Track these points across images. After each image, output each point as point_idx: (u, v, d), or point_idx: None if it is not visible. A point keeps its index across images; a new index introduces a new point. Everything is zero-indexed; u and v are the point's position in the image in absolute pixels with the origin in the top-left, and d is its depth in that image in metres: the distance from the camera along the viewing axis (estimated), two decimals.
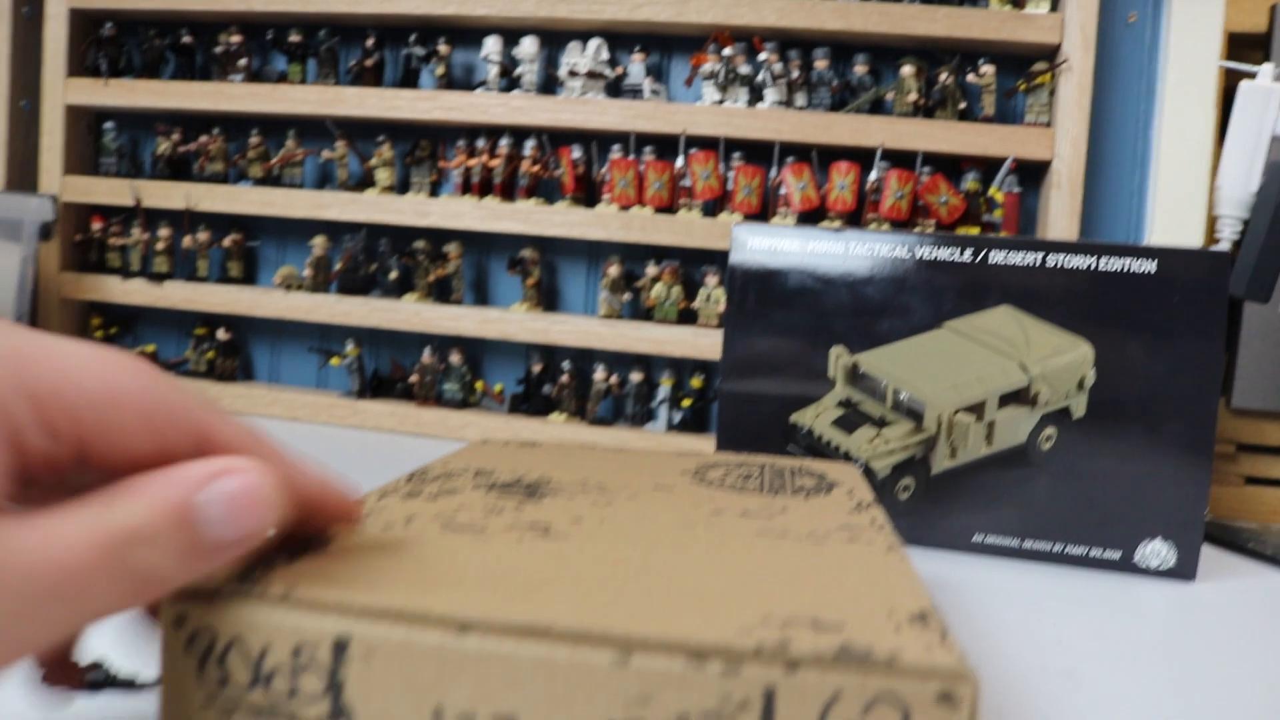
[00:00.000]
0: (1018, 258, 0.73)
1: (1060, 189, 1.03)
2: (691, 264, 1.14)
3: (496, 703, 0.27)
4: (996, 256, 0.73)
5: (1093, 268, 0.72)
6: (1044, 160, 1.04)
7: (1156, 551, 0.71)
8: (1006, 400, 0.73)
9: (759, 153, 1.10)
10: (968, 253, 0.74)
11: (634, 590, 0.31)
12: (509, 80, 1.17)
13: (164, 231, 1.24)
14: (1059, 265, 0.72)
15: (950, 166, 1.08)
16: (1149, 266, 0.71)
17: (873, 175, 1.06)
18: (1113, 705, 0.45)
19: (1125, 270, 0.71)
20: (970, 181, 1.07)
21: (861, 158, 1.08)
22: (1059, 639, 0.55)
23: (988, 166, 1.07)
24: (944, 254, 0.74)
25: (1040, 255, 0.73)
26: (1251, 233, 0.94)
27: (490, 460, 0.51)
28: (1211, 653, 0.55)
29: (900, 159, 1.07)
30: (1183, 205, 1.04)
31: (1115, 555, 0.72)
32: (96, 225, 1.27)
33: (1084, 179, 1.04)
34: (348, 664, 0.28)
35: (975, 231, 1.06)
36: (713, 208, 1.11)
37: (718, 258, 1.11)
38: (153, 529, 0.27)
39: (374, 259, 1.20)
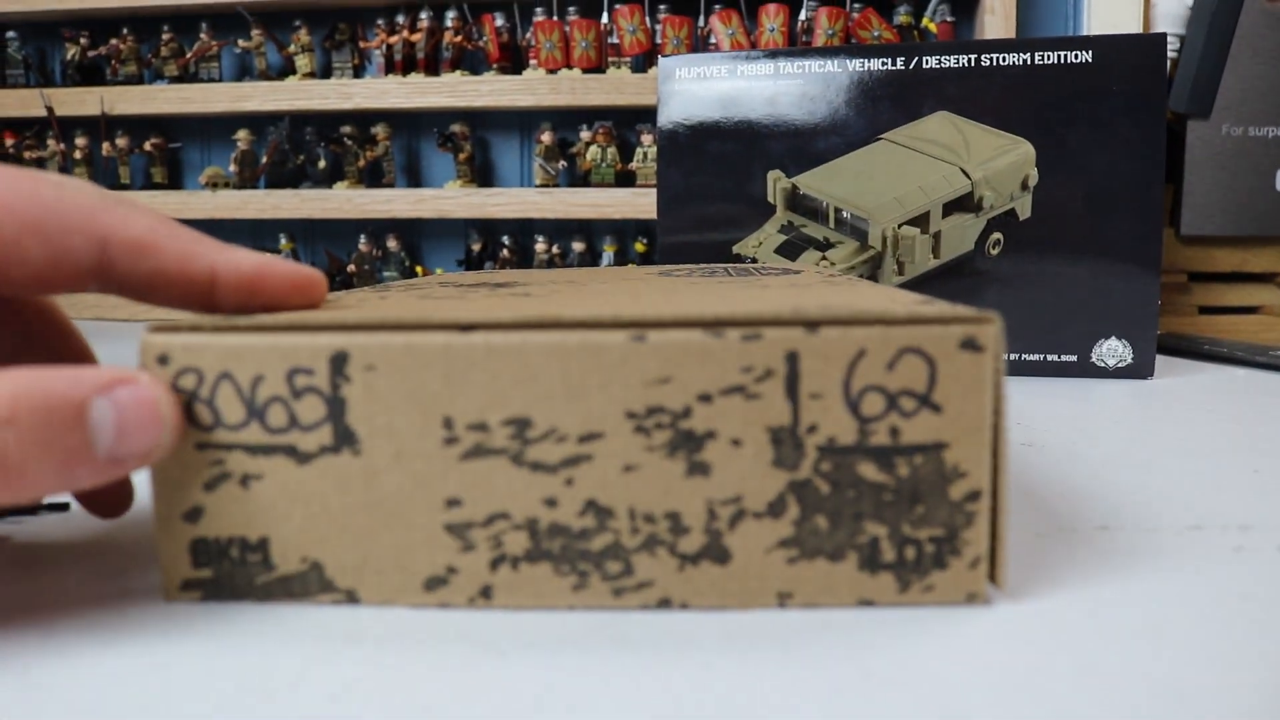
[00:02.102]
0: (951, 61, 0.71)
1: (994, 14, 1.01)
2: (625, 125, 1.12)
3: (508, 405, 0.26)
4: (930, 62, 0.71)
5: (1027, 63, 0.69)
6: None
7: (1113, 350, 0.70)
8: (950, 209, 0.71)
9: (685, 2, 1.07)
10: (900, 61, 0.71)
11: (637, 303, 0.30)
12: None
13: (80, 141, 1.20)
14: (994, 64, 0.70)
15: (881, 1, 1.06)
16: (1085, 56, 0.69)
17: (802, 15, 1.04)
18: (1071, 462, 0.44)
19: (1061, 62, 0.69)
20: (902, 15, 1.04)
21: None
22: (1018, 421, 0.54)
23: None
24: (876, 65, 0.72)
25: (974, 56, 0.70)
26: (1189, 47, 0.93)
27: (450, 278, 0.49)
28: (1168, 424, 0.54)
29: None
30: (1118, 24, 1.01)
31: (1072, 358, 0.71)
32: (9, 141, 1.22)
33: (1016, 3, 1.01)
34: (349, 381, 0.26)
35: None
36: (643, 63, 1.08)
37: (651, 116, 1.08)
38: (44, 423, 0.23)
39: (301, 149, 1.16)
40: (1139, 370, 0.70)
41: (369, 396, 0.26)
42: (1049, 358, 0.71)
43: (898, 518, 0.26)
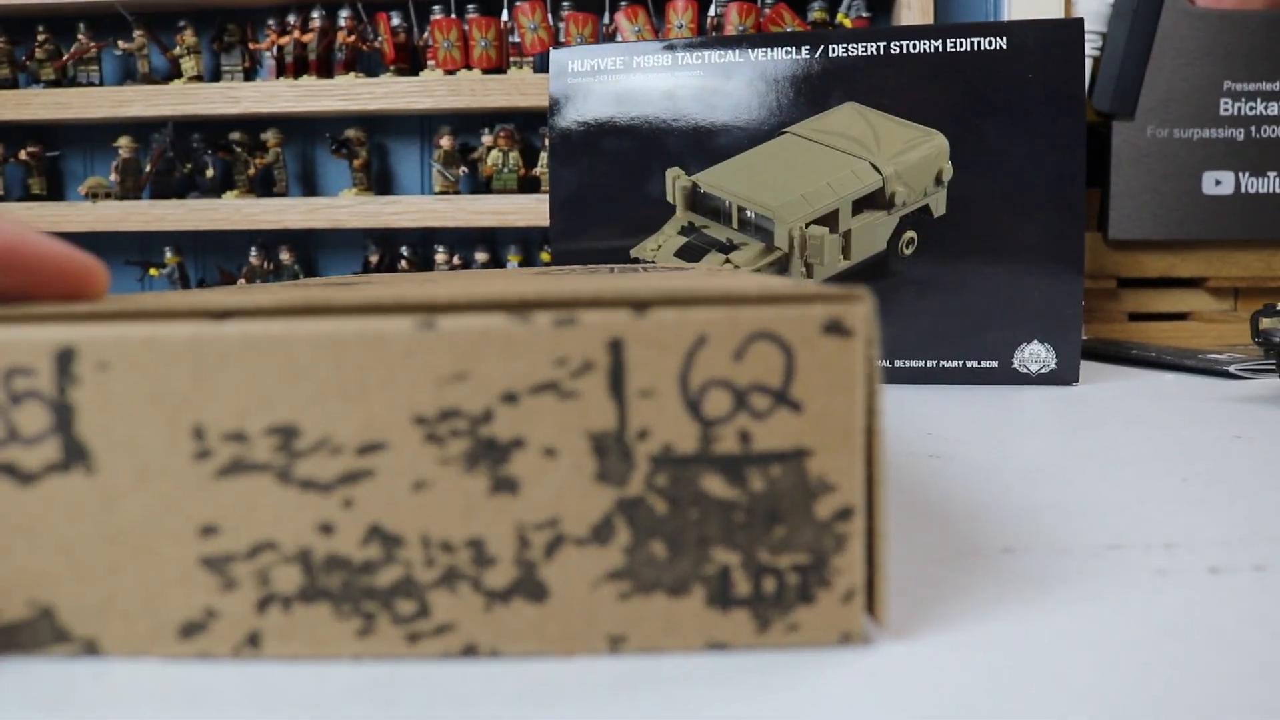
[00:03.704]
0: (859, 49, 0.67)
1: (910, 9, 0.98)
2: (528, 128, 1.07)
3: (271, 410, 0.21)
4: (836, 50, 0.67)
5: (939, 51, 0.66)
6: None
7: (1035, 354, 0.66)
8: (861, 206, 0.67)
9: None
10: (805, 50, 0.68)
11: (452, 287, 0.25)
12: None
13: None
14: (904, 52, 0.66)
15: None
16: (1000, 43, 0.65)
17: (712, 11, 1.00)
18: (981, 476, 0.40)
19: (975, 49, 0.66)
20: (816, 11, 1.01)
21: None
22: (930, 433, 0.50)
23: None
24: (779, 54, 0.68)
25: (883, 44, 0.67)
26: (1110, 45, 0.91)
27: (301, 283, 0.44)
28: (1091, 433, 0.50)
29: None
30: None
31: (993, 364, 0.67)
32: None
33: (934, 1, 0.98)
34: (77, 383, 0.21)
35: None
36: (545, 63, 1.04)
37: None
38: None
39: (187, 157, 1.10)
40: (1063, 376, 0.66)
41: (103, 402, 0.21)
42: (968, 364, 0.67)
43: (752, 542, 0.21)
